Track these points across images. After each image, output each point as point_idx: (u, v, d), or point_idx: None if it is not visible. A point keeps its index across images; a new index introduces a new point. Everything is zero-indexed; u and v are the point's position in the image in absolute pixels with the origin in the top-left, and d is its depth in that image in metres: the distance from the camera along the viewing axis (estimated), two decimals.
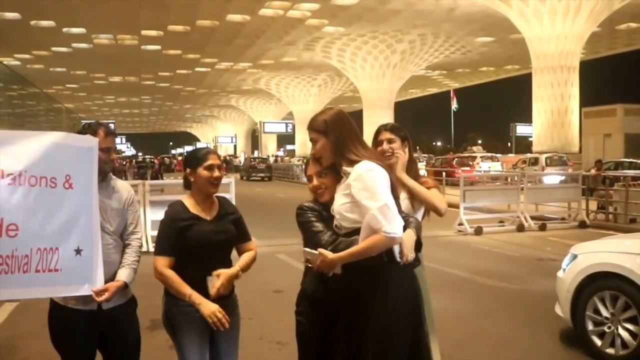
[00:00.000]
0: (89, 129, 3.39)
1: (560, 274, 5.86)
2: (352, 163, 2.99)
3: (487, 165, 32.63)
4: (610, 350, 5.22)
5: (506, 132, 61.65)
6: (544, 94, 27.62)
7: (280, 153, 73.71)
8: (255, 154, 64.76)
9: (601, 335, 5.33)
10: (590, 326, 5.42)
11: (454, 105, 64.99)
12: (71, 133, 3.37)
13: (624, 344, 5.15)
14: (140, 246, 3.51)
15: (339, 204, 3.00)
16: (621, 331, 5.19)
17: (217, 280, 3.19)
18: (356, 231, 2.90)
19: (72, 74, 46.92)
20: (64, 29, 32.53)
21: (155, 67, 45.07)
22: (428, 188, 3.71)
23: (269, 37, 35.61)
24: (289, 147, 57.80)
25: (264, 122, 57.43)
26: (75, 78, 49.03)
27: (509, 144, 65.67)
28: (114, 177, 3.56)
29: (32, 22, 30.68)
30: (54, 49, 37.17)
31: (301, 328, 3.21)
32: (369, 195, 2.84)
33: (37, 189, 3.08)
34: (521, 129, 53.59)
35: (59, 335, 3.38)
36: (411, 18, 32.24)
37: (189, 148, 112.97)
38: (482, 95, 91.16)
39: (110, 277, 3.30)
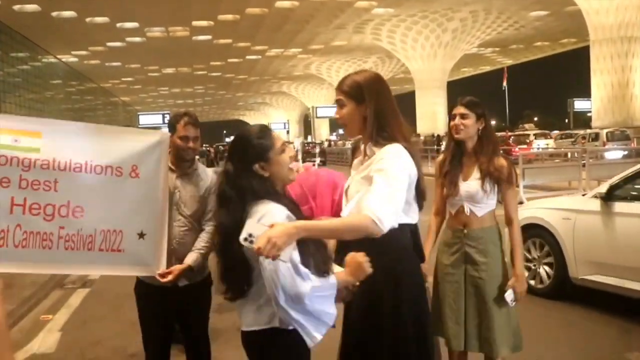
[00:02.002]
0: (174, 118, 3.62)
1: None
2: (381, 142, 2.53)
3: (543, 142, 31.90)
4: (531, 282, 6.56)
5: (563, 108, 60.12)
6: (603, 67, 26.82)
7: (333, 137, 73.76)
8: (309, 139, 64.99)
9: (527, 269, 6.59)
10: None
11: (504, 84, 63.70)
12: (140, 128, 3.62)
13: (541, 281, 6.63)
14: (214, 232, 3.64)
15: (358, 189, 2.56)
16: (541, 270, 6.65)
17: None
18: None
19: (127, 68, 47.97)
20: (118, 24, 33.25)
21: (206, 57, 45.66)
22: (503, 170, 3.53)
23: (318, 21, 35.59)
24: (341, 131, 57.60)
25: (316, 107, 57.53)
26: (130, 71, 50.12)
27: (567, 120, 64.03)
28: (201, 165, 3.76)
29: (88, 19, 31.47)
30: (108, 44, 38.05)
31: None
32: (382, 178, 2.39)
33: (102, 176, 3.34)
34: (579, 104, 52.12)
35: (141, 306, 3.69)
36: None
37: None
38: (537, 71, 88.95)
39: (183, 258, 3.50)
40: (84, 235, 3.29)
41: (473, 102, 3.64)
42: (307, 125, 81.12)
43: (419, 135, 41.49)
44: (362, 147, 2.70)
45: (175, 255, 3.49)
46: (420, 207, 2.68)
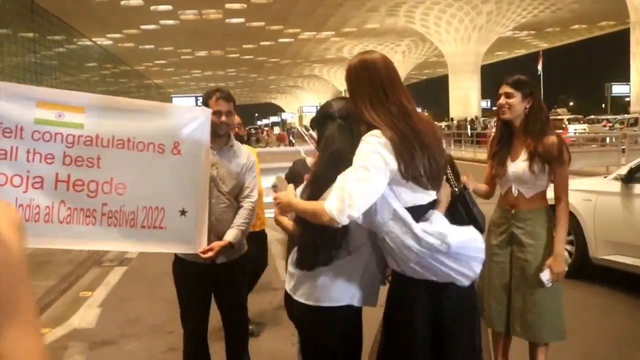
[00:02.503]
0: (206, 94, 3.63)
1: None
2: (368, 129, 2.42)
3: (581, 127, 31.37)
4: None
5: (600, 93, 58.95)
6: None
7: None
8: None
9: None
10: None
11: (538, 68, 62.59)
12: (182, 105, 3.64)
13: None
14: (252, 209, 3.67)
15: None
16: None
17: None
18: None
19: (160, 51, 48.24)
20: (152, 7, 33.40)
21: (239, 40, 45.69)
22: (552, 148, 3.44)
23: (351, 4, 35.31)
24: None
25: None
26: (163, 54, 50.41)
27: (603, 105, 62.82)
28: (237, 142, 3.80)
29: (122, 2, 31.67)
30: (142, 27, 38.29)
31: None
32: (350, 169, 2.33)
33: (144, 153, 3.37)
34: (617, 89, 51.11)
35: (179, 283, 3.76)
36: None
37: (274, 119, 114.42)
38: (573, 55, 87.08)
39: (222, 235, 3.55)
40: (127, 212, 3.33)
41: (519, 81, 3.59)
42: None
43: (452, 119, 41.11)
44: None
45: (214, 232, 3.54)
46: (435, 187, 2.51)
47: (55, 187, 3.25)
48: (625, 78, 30.39)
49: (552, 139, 3.50)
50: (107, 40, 43.05)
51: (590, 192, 6.47)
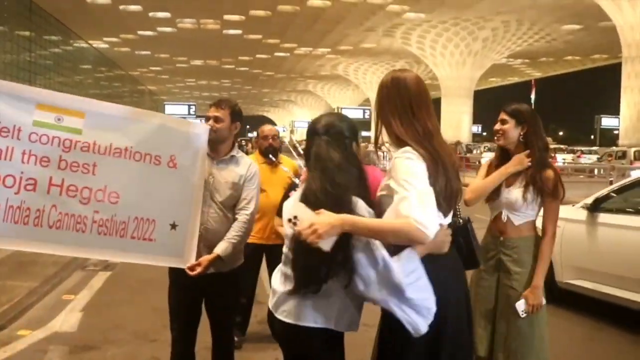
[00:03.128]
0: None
1: None
2: (397, 145, 2.49)
3: (562, 157, 31.69)
4: None
5: (590, 125, 59.50)
6: (634, 84, 26.41)
7: None
8: None
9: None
10: None
11: (531, 96, 63.13)
12: (183, 119, 3.65)
13: None
14: (247, 222, 3.62)
15: (379, 194, 2.50)
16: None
17: None
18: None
19: (156, 57, 48.28)
20: (150, 14, 33.47)
21: (235, 52, 45.82)
22: (548, 182, 3.47)
23: (349, 22, 35.55)
24: (364, 133, 57.67)
25: (341, 108, 57.50)
26: (158, 61, 50.43)
27: (592, 137, 63.36)
28: (241, 152, 3.79)
29: (121, 7, 31.73)
30: (140, 32, 38.33)
31: None
32: (403, 184, 2.28)
33: (140, 164, 3.35)
34: (607, 122, 51.56)
35: (171, 289, 3.75)
36: (495, 4, 31.48)
37: None
38: (565, 85, 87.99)
39: (211, 245, 3.51)
40: (118, 221, 3.30)
41: (515, 110, 3.64)
42: None
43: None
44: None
45: (204, 242, 3.50)
46: (452, 211, 2.54)
47: (48, 190, 3.21)
48: (615, 111, 30.74)
49: (550, 173, 3.53)
50: (104, 43, 43.04)
51: (560, 219, 6.57)
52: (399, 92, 2.53)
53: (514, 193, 3.54)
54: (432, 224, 2.19)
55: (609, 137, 55.97)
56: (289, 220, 2.24)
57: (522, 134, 3.60)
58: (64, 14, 32.78)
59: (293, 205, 2.35)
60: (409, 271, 2.28)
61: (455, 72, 40.84)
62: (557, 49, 42.82)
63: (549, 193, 3.51)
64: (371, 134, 59.80)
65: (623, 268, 5.99)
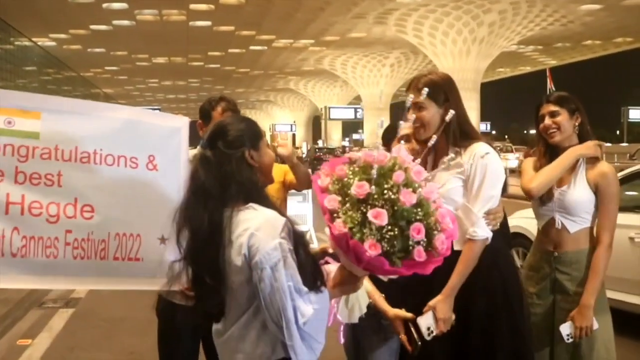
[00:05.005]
0: (208, 104, 3.53)
1: None
2: (464, 143, 3.19)
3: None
4: None
5: (615, 118, 59.99)
6: None
7: (346, 143, 73.81)
8: (320, 143, 64.98)
9: None
10: None
11: (551, 88, 63.58)
12: (153, 110, 3.54)
13: None
14: None
15: (448, 187, 3.11)
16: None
17: None
18: None
19: (112, 55, 48.10)
20: (104, 5, 33.34)
21: (204, 46, 45.76)
22: (605, 178, 3.48)
23: (335, 9, 35.62)
24: (355, 136, 57.65)
25: (329, 107, 57.55)
26: (115, 60, 50.26)
27: (618, 132, 63.88)
28: None
29: None
30: (92, 27, 38.18)
31: None
32: (485, 184, 3.07)
33: (114, 168, 3.21)
34: (635, 114, 52.03)
35: (162, 325, 3.66)
36: None
37: None
38: (585, 74, 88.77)
39: None
40: (96, 240, 3.15)
41: (563, 97, 3.58)
42: (316, 127, 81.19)
43: None
44: (428, 145, 3.06)
45: None
46: None
47: (6, 210, 3.05)
48: None
49: (606, 168, 3.49)
50: (50, 41, 42.80)
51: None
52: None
53: (569, 193, 3.48)
54: (485, 229, 3.05)
55: (638, 133, 56.47)
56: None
57: (576, 125, 3.55)
58: (3, 8, 32.52)
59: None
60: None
61: (458, 62, 41.01)
62: (574, 32, 43.12)
63: (605, 191, 3.45)
64: (364, 136, 59.98)
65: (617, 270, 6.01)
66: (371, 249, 2.22)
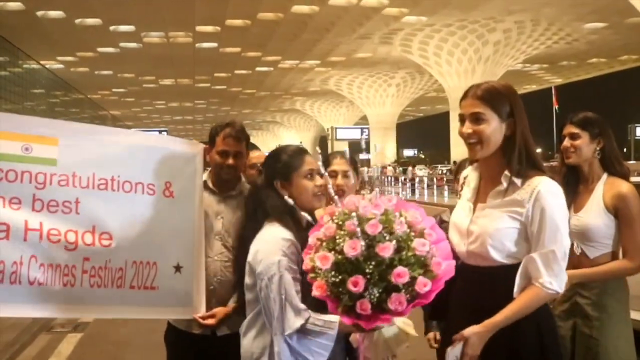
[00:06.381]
0: (214, 129, 3.52)
1: None
2: (527, 173, 2.60)
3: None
4: None
5: (622, 136, 59.91)
6: None
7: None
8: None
9: None
10: None
11: (556, 107, 63.53)
12: (171, 136, 3.53)
13: None
14: None
15: (498, 226, 2.59)
16: None
17: None
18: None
19: (119, 77, 48.36)
20: (111, 27, 33.57)
21: (211, 68, 45.94)
22: (625, 200, 3.35)
23: (340, 30, 35.75)
24: (362, 156, 57.80)
25: (336, 128, 57.66)
26: (122, 82, 50.52)
27: (625, 150, 63.75)
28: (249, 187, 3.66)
29: (77, 21, 31.80)
30: (100, 49, 38.40)
31: None
32: (550, 230, 2.50)
33: (132, 195, 3.19)
34: None
35: (172, 357, 3.58)
36: (506, 3, 31.78)
37: None
38: (591, 92, 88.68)
39: (226, 301, 3.35)
40: (113, 268, 3.10)
41: (586, 119, 3.51)
42: (322, 148, 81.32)
43: (454, 162, 41.41)
44: (474, 166, 2.80)
45: (216, 297, 3.34)
46: None
47: (25, 237, 2.98)
48: None
49: (626, 188, 3.41)
50: (58, 63, 43.07)
51: None
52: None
53: (586, 218, 3.41)
54: (560, 283, 2.54)
55: None
56: None
57: (598, 149, 3.49)
58: (11, 31, 32.77)
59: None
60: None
61: (464, 81, 41.05)
62: (579, 50, 43.18)
63: (626, 214, 3.36)
64: (370, 156, 59.97)
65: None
66: (317, 289, 2.33)
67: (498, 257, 2.56)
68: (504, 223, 2.58)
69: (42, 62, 42.71)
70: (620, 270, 3.41)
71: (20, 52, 38.12)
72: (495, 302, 2.53)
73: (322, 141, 75.17)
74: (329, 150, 62.46)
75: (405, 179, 39.57)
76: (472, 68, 40.40)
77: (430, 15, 34.40)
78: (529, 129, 2.63)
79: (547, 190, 2.53)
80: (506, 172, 2.59)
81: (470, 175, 2.83)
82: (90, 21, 32.11)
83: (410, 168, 49.51)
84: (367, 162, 63.78)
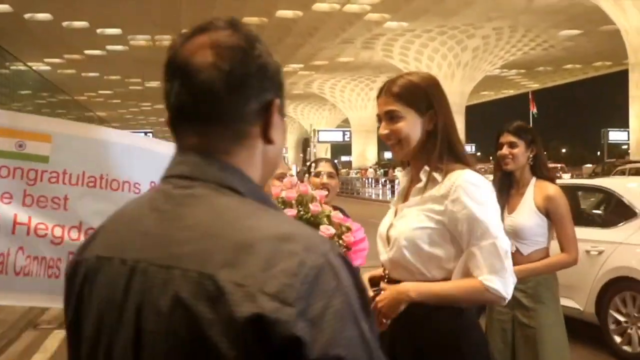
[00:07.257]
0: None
1: None
2: (447, 166, 2.22)
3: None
4: (624, 346, 6.19)
5: (596, 139, 60.45)
6: None
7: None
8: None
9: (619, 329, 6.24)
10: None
11: (533, 111, 63.94)
12: (157, 139, 3.56)
13: (630, 342, 6.14)
14: None
15: (413, 226, 2.22)
16: (633, 331, 6.12)
17: None
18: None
19: (106, 79, 48.20)
20: (98, 30, 33.46)
21: None
22: (553, 200, 3.58)
23: (324, 35, 35.84)
24: (343, 158, 57.92)
25: (318, 130, 57.72)
26: (109, 84, 50.36)
27: (599, 153, 64.31)
28: None
29: (65, 24, 31.70)
30: (86, 52, 38.28)
31: None
32: (479, 224, 2.12)
33: (119, 193, 3.22)
34: (614, 135, 52.40)
35: None
36: (485, 10, 31.99)
37: None
38: (566, 97, 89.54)
39: None
40: None
41: (521, 128, 3.73)
42: (305, 150, 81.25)
43: None
44: (406, 169, 2.44)
45: None
46: None
47: (13, 230, 3.06)
48: (623, 123, 31.19)
49: (553, 189, 3.63)
50: (45, 65, 42.85)
51: None
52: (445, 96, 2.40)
53: (519, 219, 3.58)
54: (506, 286, 2.14)
55: (618, 153, 56.87)
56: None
57: (530, 156, 3.66)
58: None
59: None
60: None
61: (443, 86, 40.65)
62: (555, 57, 43.54)
63: (555, 212, 3.58)
64: (352, 158, 60.11)
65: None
66: None
67: (418, 264, 2.19)
68: (420, 223, 2.20)
69: (29, 63, 42.36)
70: (561, 263, 3.63)
71: (7, 53, 37.83)
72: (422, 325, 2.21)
73: (305, 143, 75.20)
74: (311, 151, 62.53)
75: (385, 181, 39.61)
76: (451, 73, 40.62)
77: (411, 21, 34.56)
78: (453, 120, 2.37)
79: (467, 181, 2.15)
80: (425, 167, 2.24)
81: (401, 179, 2.49)
82: (78, 24, 32.00)
83: (390, 170, 49.63)
84: (349, 164, 63.84)
